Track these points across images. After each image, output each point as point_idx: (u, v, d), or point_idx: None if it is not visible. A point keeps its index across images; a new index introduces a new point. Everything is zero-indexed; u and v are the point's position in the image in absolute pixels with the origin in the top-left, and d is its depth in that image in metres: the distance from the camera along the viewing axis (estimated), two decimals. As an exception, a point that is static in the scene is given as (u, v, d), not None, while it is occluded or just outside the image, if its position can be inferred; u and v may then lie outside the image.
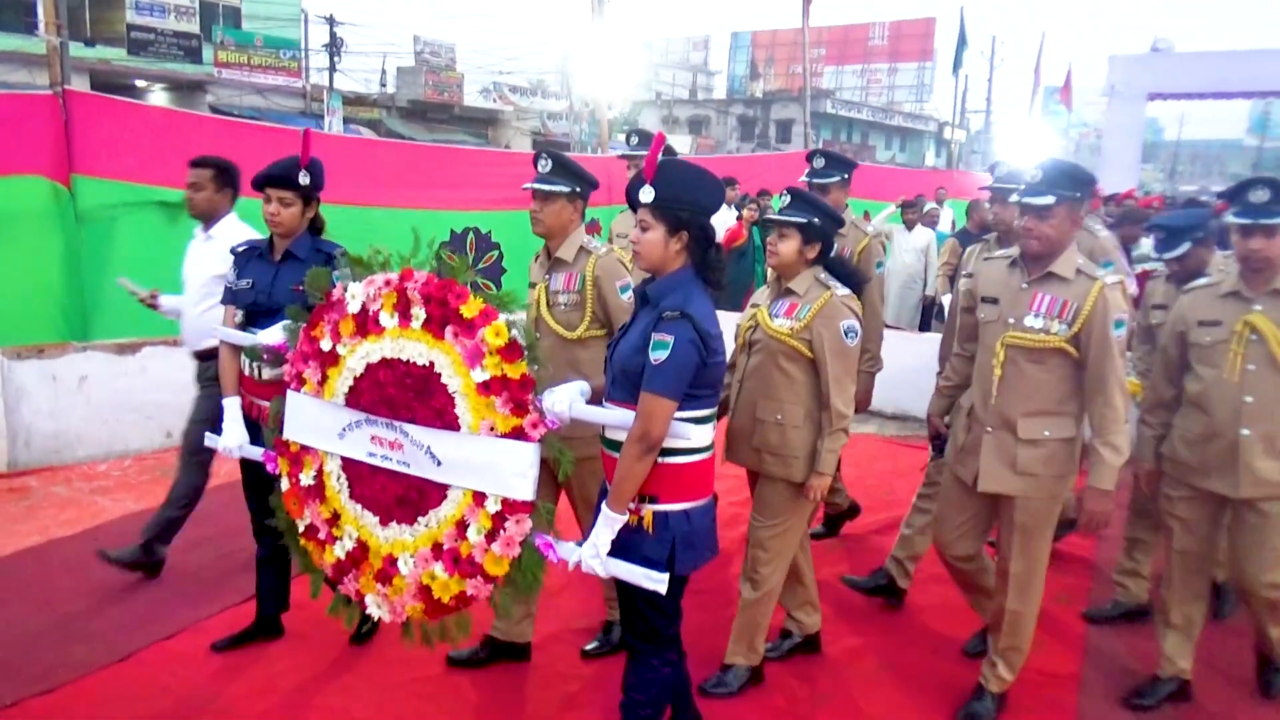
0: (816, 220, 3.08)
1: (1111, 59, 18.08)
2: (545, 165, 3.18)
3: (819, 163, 4.26)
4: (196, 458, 3.93)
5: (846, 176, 4.24)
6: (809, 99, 12.46)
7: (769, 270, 3.29)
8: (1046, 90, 22.70)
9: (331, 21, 26.93)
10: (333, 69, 27.11)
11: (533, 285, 3.31)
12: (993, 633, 3.16)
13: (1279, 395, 2.94)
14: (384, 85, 29.82)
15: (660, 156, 2.41)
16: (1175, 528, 3.21)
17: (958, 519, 3.19)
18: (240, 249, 3.31)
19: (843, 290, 3.09)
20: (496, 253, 7.74)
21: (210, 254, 3.79)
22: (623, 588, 2.44)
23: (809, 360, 3.05)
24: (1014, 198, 3.36)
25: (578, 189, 3.21)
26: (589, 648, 3.49)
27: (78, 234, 5.56)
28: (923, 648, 3.62)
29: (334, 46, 26.87)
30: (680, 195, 2.37)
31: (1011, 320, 2.95)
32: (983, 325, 3.08)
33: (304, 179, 3.14)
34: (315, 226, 3.28)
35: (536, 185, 3.17)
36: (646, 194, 2.37)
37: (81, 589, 3.86)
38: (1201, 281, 3.23)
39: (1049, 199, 2.84)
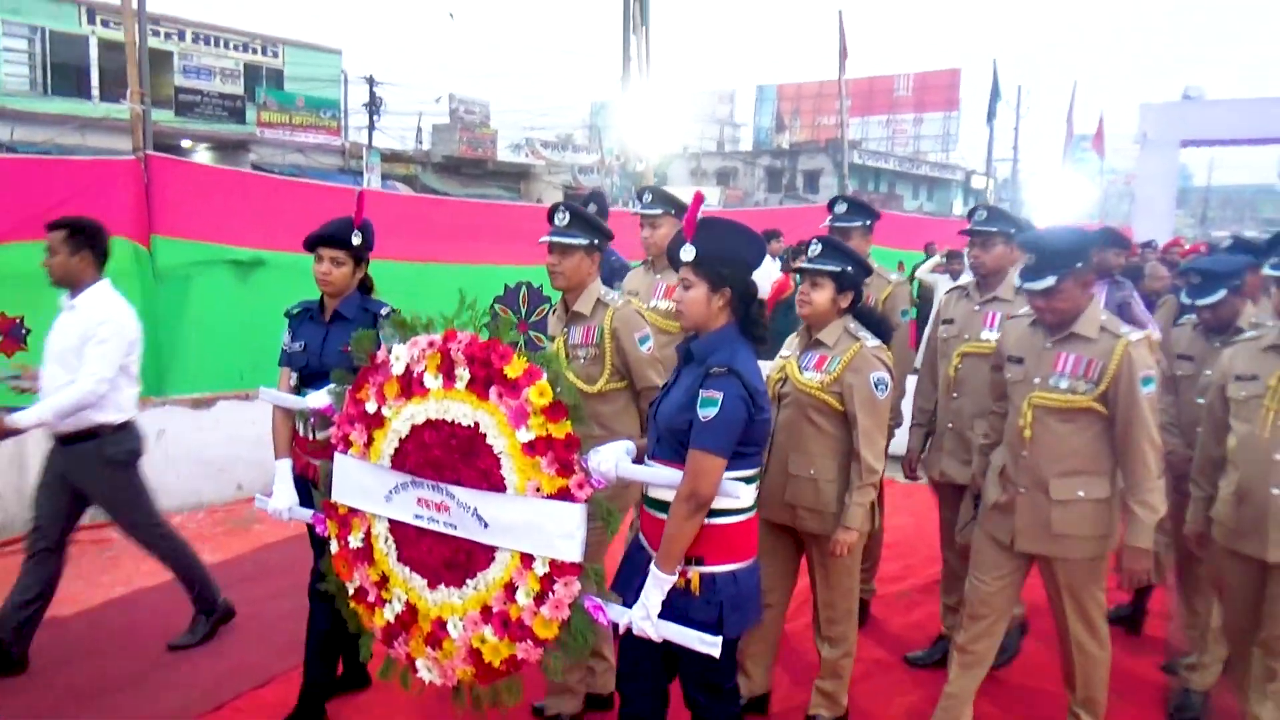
0: (849, 269, 3.07)
1: (1143, 107, 18.15)
2: (563, 218, 3.18)
3: (841, 208, 4.25)
4: (44, 548, 3.64)
5: (869, 223, 4.21)
6: (846, 149, 12.62)
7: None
8: (1076, 138, 22.83)
9: (371, 82, 27.68)
10: (372, 127, 27.79)
11: (550, 339, 3.24)
12: (1067, 686, 3.15)
13: None
14: (420, 142, 30.52)
15: (700, 214, 2.42)
16: (1225, 593, 3.12)
17: (994, 576, 3.11)
18: (295, 311, 3.33)
19: (873, 341, 3.08)
20: (548, 306, 7.88)
21: (70, 326, 3.59)
22: (678, 647, 2.41)
23: (840, 413, 3.04)
24: (1016, 281, 3.25)
25: (595, 241, 3.22)
26: None
27: (155, 292, 5.77)
28: (993, 697, 3.62)
29: (373, 105, 27.57)
30: (722, 252, 2.38)
31: (1038, 380, 2.95)
32: (1010, 385, 3.07)
33: (356, 239, 3.17)
34: (365, 286, 3.30)
35: (555, 239, 3.17)
36: (688, 252, 2.38)
37: (170, 638, 3.96)
38: (1246, 335, 3.16)
39: (1049, 281, 2.84)
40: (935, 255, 9.56)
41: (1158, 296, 5.34)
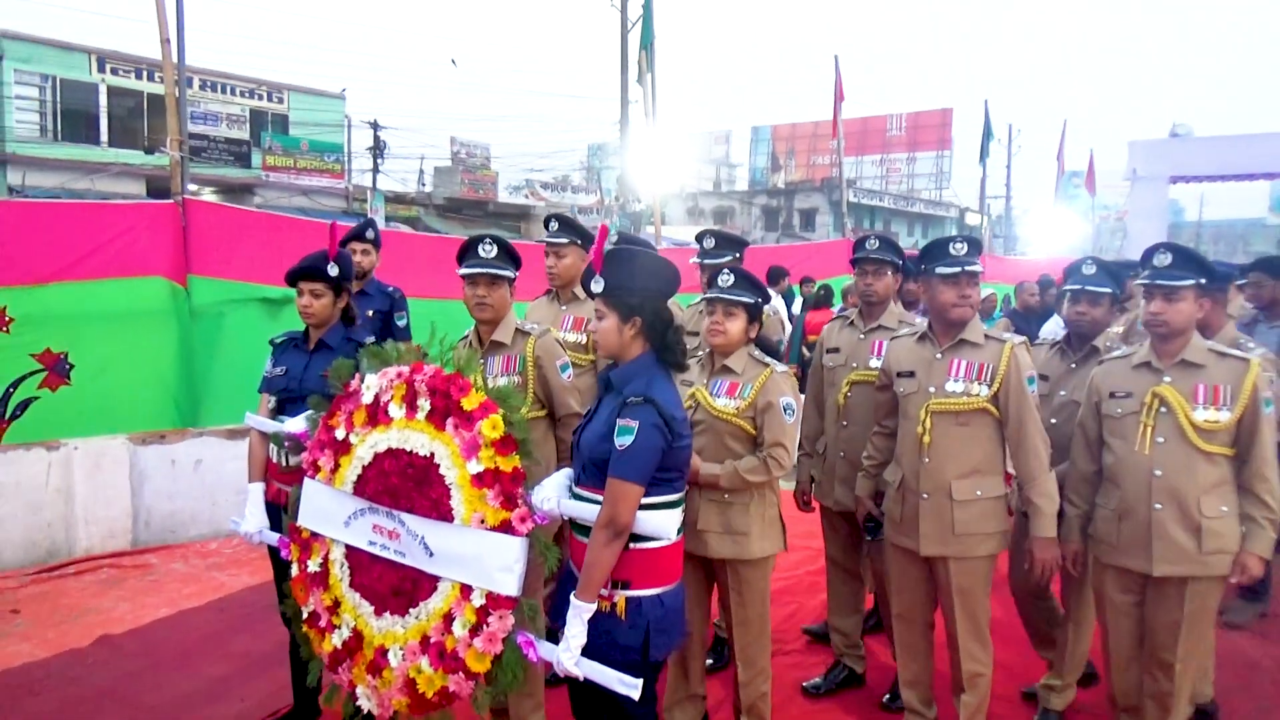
0: (759, 300, 3.15)
1: (1131, 144, 18.56)
2: (489, 250, 3.15)
3: (709, 243, 4.27)
4: None
5: (739, 255, 4.26)
6: (844, 189, 12.97)
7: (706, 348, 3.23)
8: (1068, 175, 23.32)
9: (375, 126, 28.19)
10: (376, 170, 28.25)
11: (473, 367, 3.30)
12: (955, 692, 3.24)
13: (1189, 469, 2.89)
14: (422, 184, 31.00)
15: (608, 246, 2.51)
16: (1107, 611, 3.15)
17: (911, 590, 3.26)
18: (279, 340, 3.43)
19: (780, 366, 3.16)
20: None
21: None
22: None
23: (752, 437, 3.10)
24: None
25: (516, 274, 3.24)
26: None
27: (192, 329, 6.03)
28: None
29: (377, 149, 28.06)
30: (630, 282, 2.41)
31: (932, 389, 3.09)
32: (904, 398, 3.20)
33: (333, 270, 3.24)
34: (348, 317, 3.37)
35: (486, 270, 3.14)
36: (596, 284, 2.42)
37: (220, 654, 4.15)
38: (1116, 352, 3.24)
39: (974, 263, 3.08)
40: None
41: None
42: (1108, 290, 3.51)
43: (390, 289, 4.98)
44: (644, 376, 2.38)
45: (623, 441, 2.28)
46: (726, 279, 3.10)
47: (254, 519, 3.19)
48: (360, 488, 2.64)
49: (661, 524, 2.34)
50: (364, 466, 2.63)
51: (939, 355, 3.13)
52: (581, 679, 2.28)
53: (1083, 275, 3.55)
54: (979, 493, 3.06)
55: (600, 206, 32.73)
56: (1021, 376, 3.03)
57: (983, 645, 3.16)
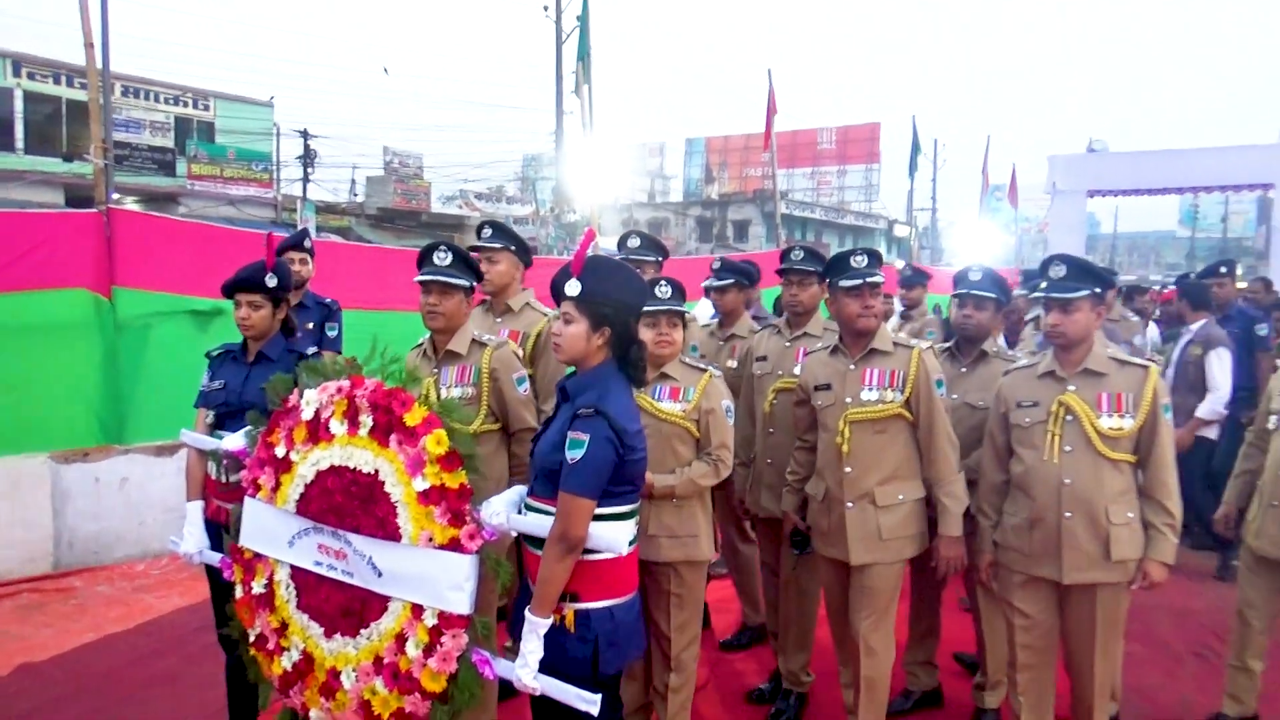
0: (687, 311, 3.29)
1: (1051, 159, 19.17)
2: (444, 257, 3.13)
3: (634, 242, 4.35)
4: None
5: (660, 259, 4.39)
6: (778, 200, 13.17)
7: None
8: (991, 188, 23.96)
9: (305, 135, 27.70)
10: (306, 179, 27.75)
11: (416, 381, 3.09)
12: (856, 693, 3.24)
13: (1097, 477, 2.91)
14: (354, 194, 30.52)
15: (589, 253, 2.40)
16: (1016, 621, 3.10)
17: (843, 598, 3.29)
18: (216, 352, 3.33)
19: (717, 370, 3.30)
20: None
21: None
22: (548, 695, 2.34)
23: (696, 439, 3.18)
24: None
25: (473, 284, 3.22)
26: None
27: (117, 342, 5.81)
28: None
29: (308, 158, 27.57)
30: (607, 291, 2.35)
31: (849, 400, 3.17)
32: (822, 411, 3.26)
33: (271, 281, 3.17)
34: (288, 328, 3.31)
35: (438, 278, 3.10)
36: (573, 287, 2.34)
37: (149, 679, 4.03)
38: (1021, 362, 3.29)
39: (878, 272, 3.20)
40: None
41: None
42: (992, 295, 3.62)
43: (327, 300, 4.91)
44: (598, 387, 2.33)
45: (574, 455, 2.24)
46: (665, 290, 3.19)
47: (193, 539, 3.09)
48: (303, 506, 2.57)
49: (613, 536, 2.30)
50: (306, 485, 2.57)
51: (852, 366, 3.22)
52: (537, 694, 2.25)
53: (969, 281, 3.68)
54: (901, 497, 3.15)
55: (535, 217, 32.59)
56: (930, 380, 3.14)
57: (887, 642, 3.18)
